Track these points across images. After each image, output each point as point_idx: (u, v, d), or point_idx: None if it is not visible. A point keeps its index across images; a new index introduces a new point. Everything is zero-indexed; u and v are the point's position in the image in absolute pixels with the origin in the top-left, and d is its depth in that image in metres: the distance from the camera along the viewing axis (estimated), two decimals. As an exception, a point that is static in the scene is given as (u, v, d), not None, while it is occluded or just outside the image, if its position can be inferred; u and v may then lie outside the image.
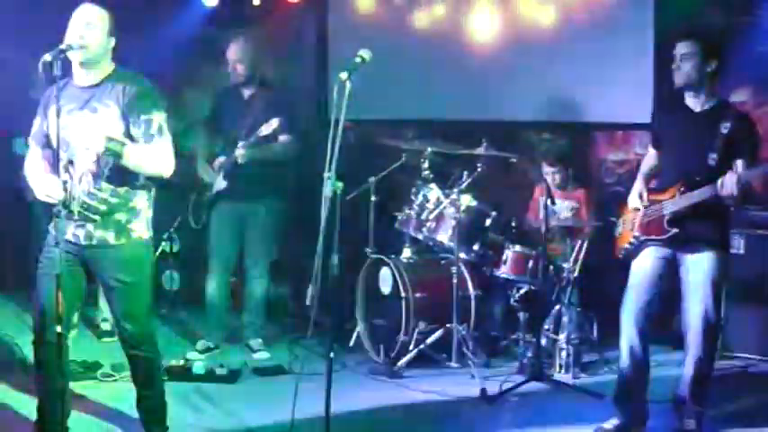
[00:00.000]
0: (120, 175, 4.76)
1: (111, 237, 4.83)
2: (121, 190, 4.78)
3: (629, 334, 5.34)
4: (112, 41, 4.84)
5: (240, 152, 6.71)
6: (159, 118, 4.78)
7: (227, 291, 7.19)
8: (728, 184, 4.92)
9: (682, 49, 5.16)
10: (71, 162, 4.77)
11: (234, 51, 6.95)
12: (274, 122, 6.60)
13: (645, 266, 5.34)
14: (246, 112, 6.91)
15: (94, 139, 4.64)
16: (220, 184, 6.95)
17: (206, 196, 7.08)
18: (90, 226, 4.80)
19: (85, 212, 4.75)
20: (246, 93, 7.00)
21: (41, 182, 4.73)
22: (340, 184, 4.48)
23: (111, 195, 4.76)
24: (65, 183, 4.71)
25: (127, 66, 4.95)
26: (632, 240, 5.38)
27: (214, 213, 7.07)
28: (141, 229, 4.93)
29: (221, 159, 6.96)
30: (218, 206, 7.04)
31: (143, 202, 4.93)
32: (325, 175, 4.47)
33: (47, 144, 4.86)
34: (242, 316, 7.28)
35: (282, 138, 6.83)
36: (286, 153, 6.95)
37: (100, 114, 4.72)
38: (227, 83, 7.17)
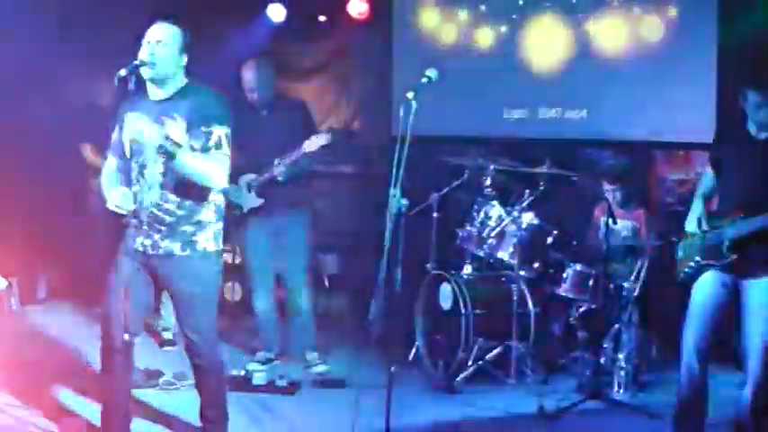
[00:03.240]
0: (187, 189, 4.84)
1: (177, 247, 4.91)
2: (187, 203, 4.88)
3: (689, 357, 5.30)
4: (185, 58, 4.92)
5: (280, 169, 6.65)
6: (220, 131, 4.80)
7: (275, 304, 7.15)
8: None
9: (753, 97, 5.04)
10: (141, 173, 4.88)
11: (245, 79, 6.86)
12: (322, 139, 6.55)
13: (705, 291, 5.27)
14: (264, 129, 6.76)
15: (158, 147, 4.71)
16: (254, 201, 6.85)
17: (232, 214, 6.73)
18: (157, 236, 4.89)
19: (153, 222, 4.86)
20: (263, 111, 6.89)
21: (113, 192, 4.80)
22: (405, 202, 4.53)
23: (176, 207, 4.86)
24: (135, 193, 4.84)
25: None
26: (692, 264, 5.33)
27: (246, 230, 6.95)
28: (207, 241, 4.98)
29: (249, 177, 6.81)
30: (250, 222, 6.91)
31: (210, 215, 4.99)
32: (391, 191, 4.52)
33: (123, 154, 4.97)
34: (289, 329, 7.22)
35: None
36: (312, 165, 6.89)
37: (166, 127, 4.79)
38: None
